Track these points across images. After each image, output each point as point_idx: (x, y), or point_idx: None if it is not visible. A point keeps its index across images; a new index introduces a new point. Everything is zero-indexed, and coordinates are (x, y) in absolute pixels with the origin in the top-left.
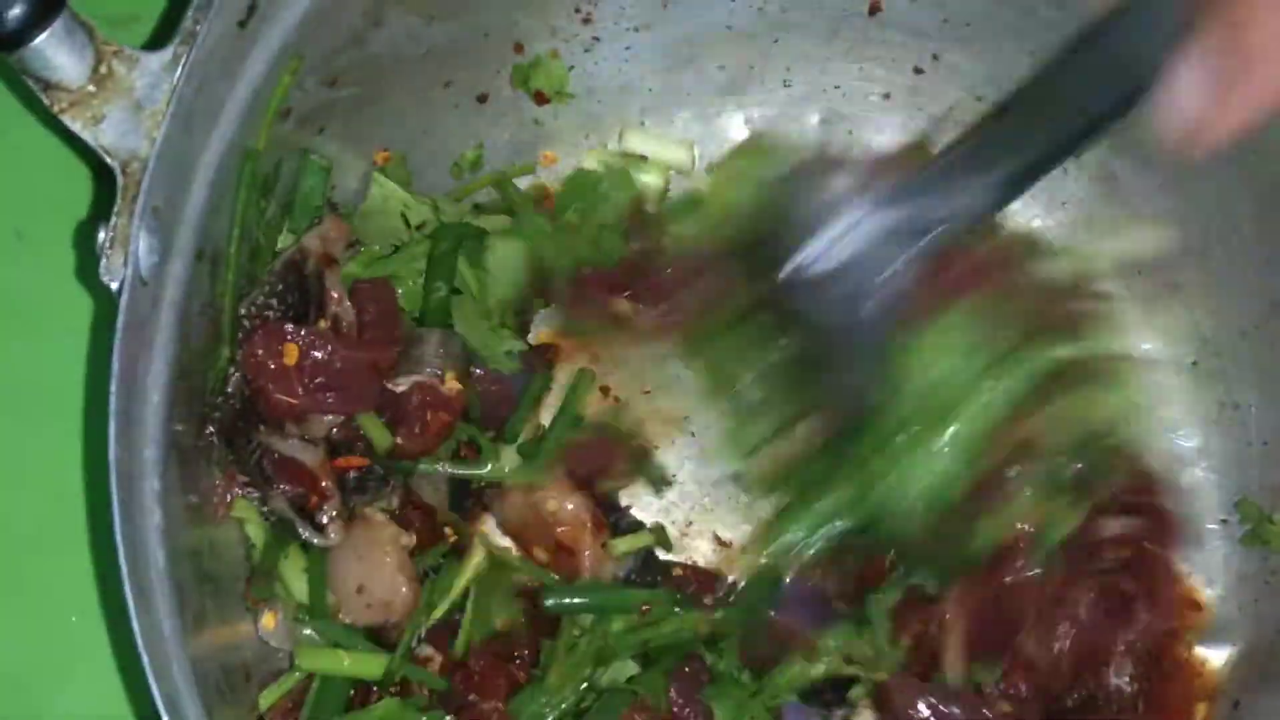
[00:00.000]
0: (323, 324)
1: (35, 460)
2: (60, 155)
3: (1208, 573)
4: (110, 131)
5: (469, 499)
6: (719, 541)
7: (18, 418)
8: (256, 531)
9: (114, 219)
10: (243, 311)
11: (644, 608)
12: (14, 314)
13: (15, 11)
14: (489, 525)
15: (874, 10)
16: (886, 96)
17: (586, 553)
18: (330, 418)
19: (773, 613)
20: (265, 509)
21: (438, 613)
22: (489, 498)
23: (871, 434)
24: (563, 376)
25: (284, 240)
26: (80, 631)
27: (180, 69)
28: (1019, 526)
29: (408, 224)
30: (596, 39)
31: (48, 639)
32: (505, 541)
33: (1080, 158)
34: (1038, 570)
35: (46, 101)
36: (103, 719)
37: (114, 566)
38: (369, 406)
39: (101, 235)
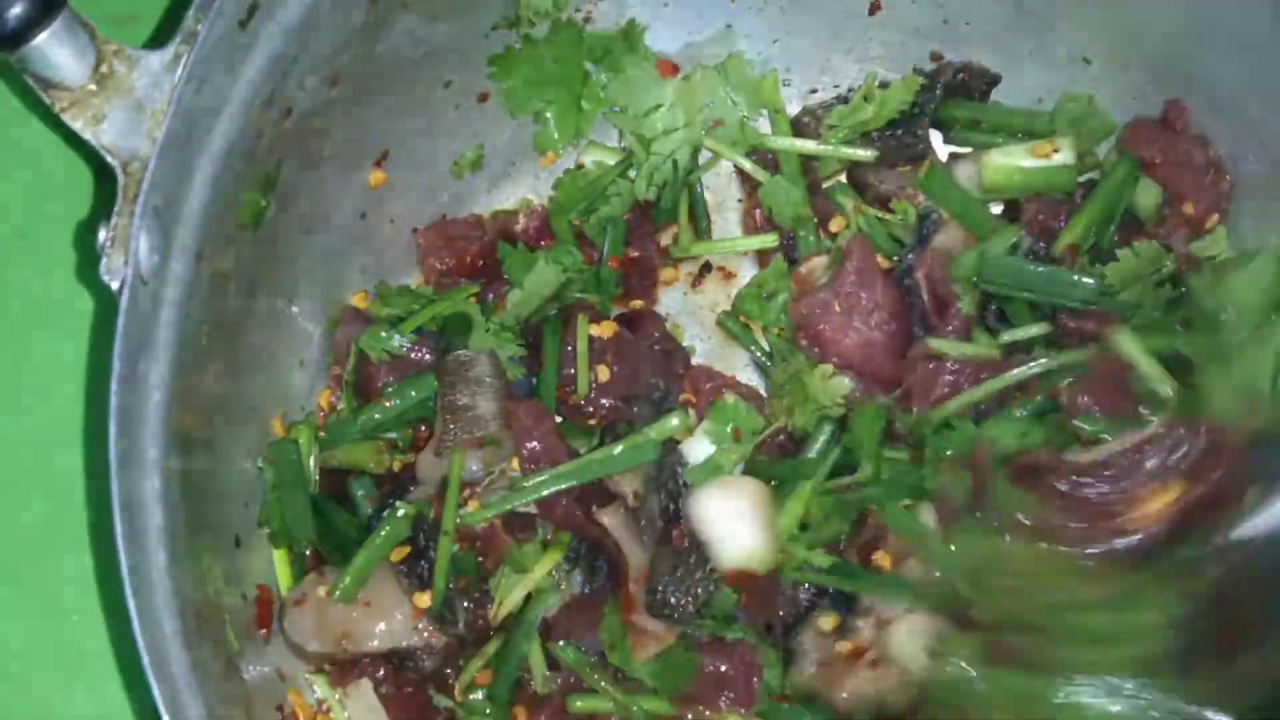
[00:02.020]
0: None
1: (36, 459)
2: (61, 155)
3: None
4: (111, 131)
5: None
6: None
7: (19, 416)
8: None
9: (115, 218)
10: None
11: None
12: (15, 313)
13: (15, 10)
14: None
15: (874, 10)
16: None
17: None
18: None
19: None
20: None
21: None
22: None
23: None
24: None
25: None
26: (81, 631)
27: (181, 68)
28: None
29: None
30: None
31: (49, 638)
32: None
33: None
34: None
35: (47, 101)
36: (103, 718)
37: (115, 566)
38: None
39: (102, 235)
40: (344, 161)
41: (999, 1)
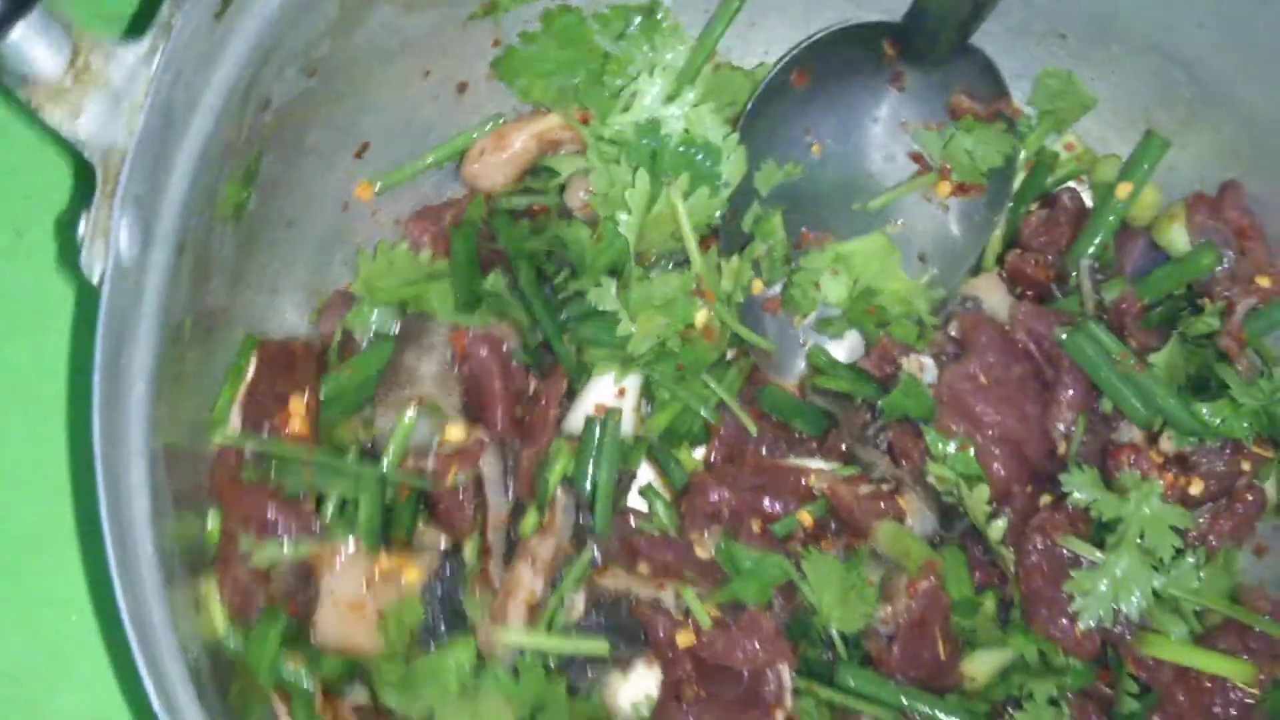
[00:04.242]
0: None
1: (36, 459)
2: (60, 154)
3: None
4: (88, 124)
5: None
6: None
7: (17, 415)
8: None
9: (94, 211)
10: None
11: None
12: (14, 311)
13: None
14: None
15: None
16: None
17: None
18: None
19: None
20: None
21: None
22: None
23: None
24: None
25: None
26: (79, 630)
27: (157, 60)
28: None
29: None
30: None
31: (46, 638)
32: None
33: None
34: None
35: (23, 96)
36: (100, 717)
37: (104, 559)
38: None
39: (82, 227)
40: (324, 153)
41: None
